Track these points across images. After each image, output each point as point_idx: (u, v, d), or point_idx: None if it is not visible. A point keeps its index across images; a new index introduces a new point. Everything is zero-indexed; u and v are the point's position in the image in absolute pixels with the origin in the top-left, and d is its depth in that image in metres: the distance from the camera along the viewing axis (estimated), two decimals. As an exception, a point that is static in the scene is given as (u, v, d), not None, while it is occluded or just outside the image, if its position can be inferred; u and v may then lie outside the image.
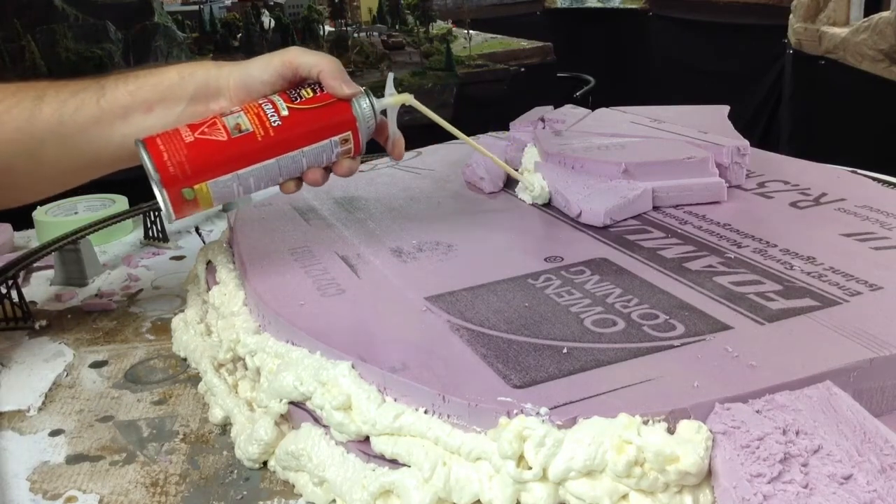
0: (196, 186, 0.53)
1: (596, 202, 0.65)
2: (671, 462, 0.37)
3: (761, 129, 2.58)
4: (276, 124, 0.54)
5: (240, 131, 0.53)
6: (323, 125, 0.55)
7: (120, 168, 0.57)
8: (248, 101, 0.55)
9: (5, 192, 0.58)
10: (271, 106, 0.54)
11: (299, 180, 0.57)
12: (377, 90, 0.58)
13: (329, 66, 0.55)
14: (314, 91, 0.55)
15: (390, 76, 0.59)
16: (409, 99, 0.58)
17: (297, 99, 0.55)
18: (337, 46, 2.51)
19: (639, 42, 3.44)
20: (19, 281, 0.69)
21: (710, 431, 0.38)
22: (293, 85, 0.56)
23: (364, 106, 0.56)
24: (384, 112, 0.58)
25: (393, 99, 0.58)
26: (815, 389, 0.40)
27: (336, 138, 0.56)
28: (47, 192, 0.60)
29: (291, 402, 0.47)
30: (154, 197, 0.91)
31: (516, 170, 0.79)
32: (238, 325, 0.54)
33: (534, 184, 0.70)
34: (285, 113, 0.54)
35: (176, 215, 0.54)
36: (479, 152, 0.68)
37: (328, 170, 0.57)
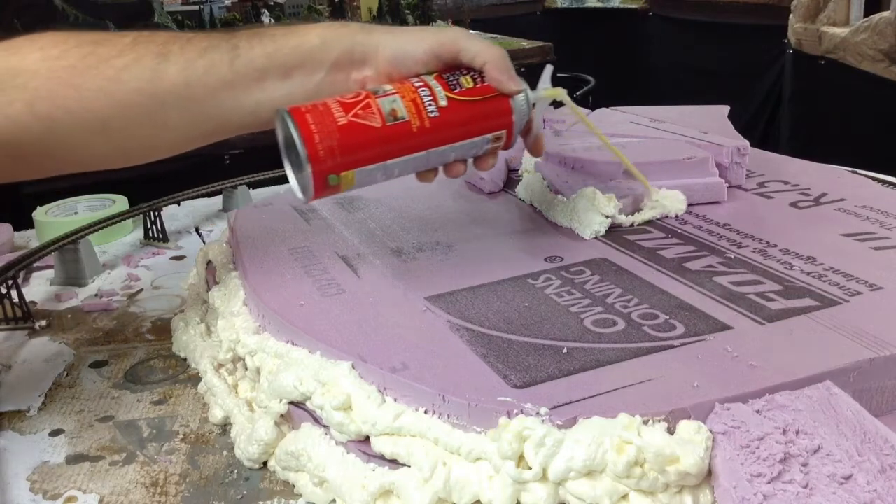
0: (343, 173, 0.49)
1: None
2: (671, 462, 0.37)
3: (761, 129, 2.58)
4: (432, 115, 0.49)
5: (395, 118, 0.49)
6: (481, 121, 0.51)
7: (245, 132, 0.53)
8: (396, 77, 0.51)
9: (120, 156, 0.53)
10: (428, 92, 0.50)
11: (438, 170, 0.54)
12: None
13: (496, 58, 0.51)
14: (474, 81, 0.51)
15: (549, 68, 0.55)
16: (561, 94, 0.55)
17: (455, 88, 0.50)
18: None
19: (639, 42, 3.44)
20: (19, 281, 0.69)
21: (710, 431, 0.38)
22: (447, 68, 0.52)
23: (521, 101, 0.52)
24: (533, 105, 0.54)
25: (546, 93, 0.54)
26: (815, 389, 0.40)
27: (490, 135, 0.52)
28: (163, 155, 0.54)
29: (291, 402, 0.47)
30: (154, 197, 0.91)
31: (515, 170, 0.79)
32: (238, 325, 0.54)
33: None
34: (443, 103, 0.50)
35: (315, 197, 0.50)
36: (630, 169, 0.64)
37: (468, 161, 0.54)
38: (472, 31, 0.52)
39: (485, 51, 0.51)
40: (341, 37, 0.51)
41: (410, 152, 0.50)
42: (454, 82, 0.51)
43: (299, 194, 0.51)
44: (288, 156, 0.50)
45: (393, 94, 0.50)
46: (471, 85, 0.51)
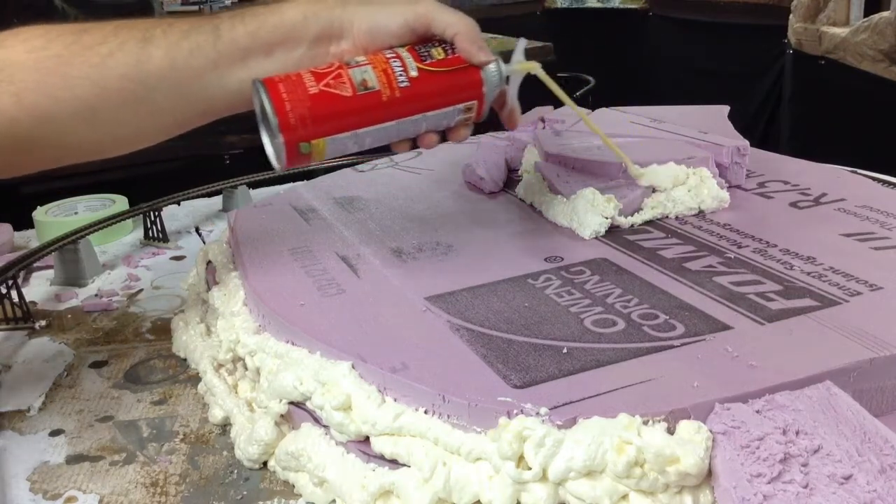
0: (314, 142, 0.50)
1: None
2: (671, 463, 0.37)
3: (761, 129, 2.58)
4: (403, 85, 0.51)
5: (366, 88, 0.50)
6: (451, 91, 0.53)
7: (232, 113, 0.54)
8: (372, 49, 0.52)
9: (110, 144, 0.53)
10: (399, 63, 0.51)
11: (413, 141, 0.55)
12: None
13: (466, 29, 0.52)
14: (445, 52, 0.52)
15: (522, 42, 0.56)
16: (535, 67, 0.55)
17: (426, 59, 0.52)
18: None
19: (639, 42, 3.43)
20: (19, 281, 0.69)
21: (710, 432, 0.38)
22: (421, 40, 0.53)
23: (493, 73, 0.53)
24: (507, 78, 0.55)
25: (519, 66, 0.55)
26: (815, 389, 0.40)
27: (461, 106, 0.53)
28: (153, 141, 0.55)
29: (291, 402, 0.47)
30: (153, 197, 0.91)
31: (515, 170, 0.79)
32: (238, 325, 0.54)
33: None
34: (414, 74, 0.51)
35: (287, 165, 0.51)
36: (605, 141, 0.65)
37: (442, 133, 0.55)
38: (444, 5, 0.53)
39: (456, 22, 0.52)
40: (320, 11, 0.52)
41: (381, 122, 0.52)
42: (425, 53, 0.52)
43: (274, 163, 0.52)
44: (263, 125, 0.51)
45: (365, 64, 0.51)
46: (442, 56, 0.52)
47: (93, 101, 0.49)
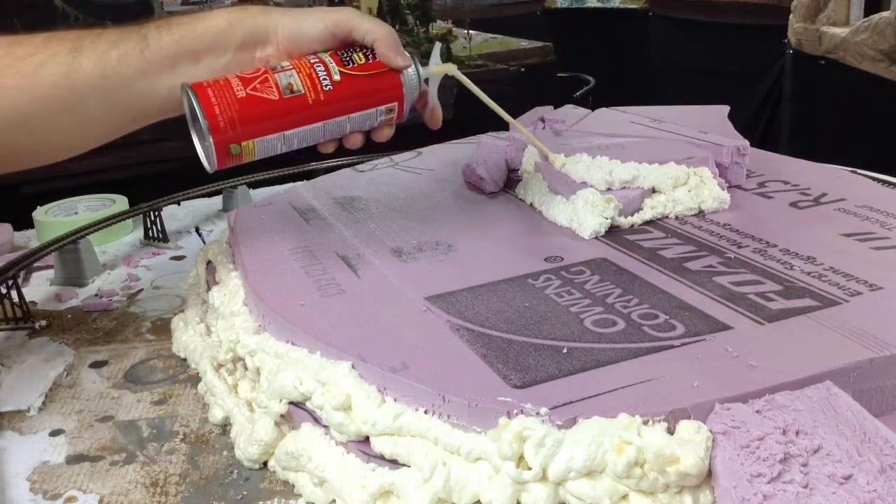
0: (243, 143, 0.53)
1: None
2: (671, 463, 0.37)
3: (761, 129, 2.58)
4: (327, 88, 0.54)
5: (291, 92, 0.53)
6: (373, 94, 0.55)
7: (164, 118, 0.56)
8: (297, 54, 0.55)
9: (46, 151, 0.55)
10: (323, 67, 0.54)
11: (339, 141, 0.57)
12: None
13: (385, 35, 0.55)
14: (366, 57, 0.55)
15: (437, 45, 0.60)
16: (451, 69, 0.59)
17: (349, 63, 0.55)
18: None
19: (639, 42, 3.43)
20: (19, 281, 0.69)
21: (710, 432, 0.38)
22: (343, 45, 0.56)
23: (411, 76, 0.56)
24: (426, 80, 0.58)
25: (437, 68, 0.58)
26: (815, 389, 0.40)
27: (383, 107, 0.56)
28: (88, 147, 0.57)
29: (291, 402, 0.47)
30: (153, 197, 0.91)
31: (515, 170, 0.79)
32: (238, 325, 0.54)
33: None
34: (337, 77, 0.54)
35: (218, 166, 0.54)
36: (529, 137, 0.67)
37: (367, 133, 0.58)
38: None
39: (375, 29, 0.55)
40: (244, 19, 0.55)
41: (307, 123, 0.54)
42: (347, 58, 0.55)
43: (206, 164, 0.54)
44: (194, 128, 0.53)
45: (290, 69, 0.54)
46: (363, 61, 0.55)
47: (27, 109, 0.51)
